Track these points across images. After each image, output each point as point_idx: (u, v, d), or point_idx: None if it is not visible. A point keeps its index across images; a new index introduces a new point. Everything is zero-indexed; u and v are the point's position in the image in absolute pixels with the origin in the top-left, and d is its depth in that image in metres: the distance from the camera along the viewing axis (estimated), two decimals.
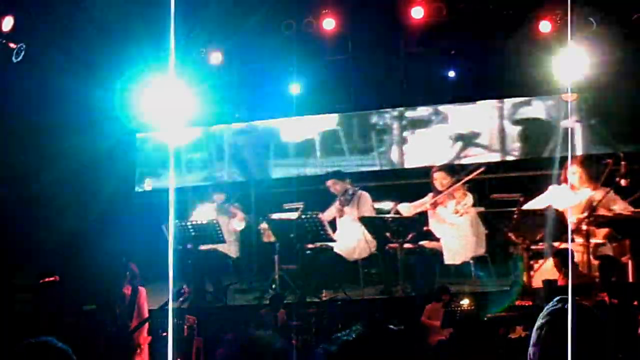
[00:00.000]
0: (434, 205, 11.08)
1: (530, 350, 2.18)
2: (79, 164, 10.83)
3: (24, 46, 8.77)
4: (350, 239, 11.37)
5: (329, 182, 11.57)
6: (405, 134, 11.70)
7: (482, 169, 11.04)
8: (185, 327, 9.68)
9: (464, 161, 11.38)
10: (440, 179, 11.08)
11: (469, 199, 10.95)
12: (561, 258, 8.03)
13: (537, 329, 2.21)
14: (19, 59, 8.71)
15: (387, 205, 11.46)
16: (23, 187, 10.08)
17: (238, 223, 11.75)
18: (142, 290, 8.04)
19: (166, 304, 8.01)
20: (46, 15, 9.24)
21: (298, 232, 11.23)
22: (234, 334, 2.39)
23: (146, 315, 7.89)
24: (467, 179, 10.91)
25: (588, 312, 2.18)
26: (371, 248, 11.29)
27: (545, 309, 2.24)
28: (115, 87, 10.37)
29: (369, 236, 11.28)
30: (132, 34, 9.68)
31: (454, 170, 11.20)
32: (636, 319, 8.32)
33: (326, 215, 11.41)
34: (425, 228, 11.16)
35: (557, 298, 2.26)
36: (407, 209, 10.84)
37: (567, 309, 2.13)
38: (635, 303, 8.64)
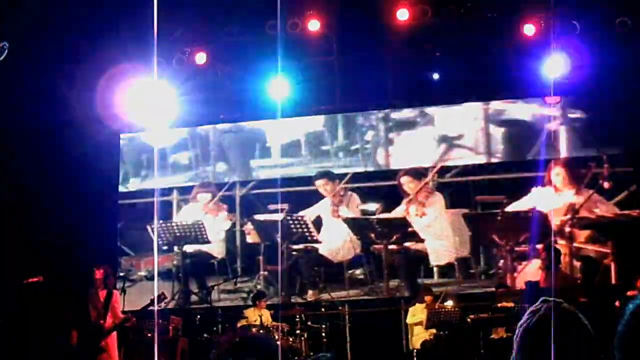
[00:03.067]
0: (407, 210, 11.25)
1: (514, 350, 2.19)
2: (62, 163, 10.76)
3: (7, 45, 8.68)
4: (336, 240, 11.41)
5: (320, 182, 11.60)
6: (390, 135, 11.71)
7: (439, 167, 11.22)
8: (170, 328, 9.66)
9: (448, 163, 11.42)
10: (407, 184, 11.25)
11: (436, 199, 11.11)
12: (549, 253, 8.05)
13: (519, 328, 2.22)
14: (1, 58, 8.63)
15: (372, 206, 11.48)
16: (5, 186, 9.99)
17: (225, 222, 11.75)
18: (116, 293, 8.01)
19: (147, 306, 7.96)
20: (30, 14, 9.16)
21: (283, 233, 11.26)
22: (228, 334, 2.35)
23: (120, 317, 7.84)
24: (427, 179, 11.14)
25: (571, 315, 2.18)
26: (356, 249, 11.33)
27: (529, 309, 2.23)
28: (99, 87, 10.32)
29: (354, 237, 11.33)
30: (116, 33, 9.63)
31: (419, 173, 11.31)
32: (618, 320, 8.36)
33: (309, 212, 11.45)
34: (410, 229, 11.21)
35: (542, 299, 2.25)
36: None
37: (549, 311, 2.14)
38: (617, 304, 8.70)
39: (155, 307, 7.16)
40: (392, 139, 11.71)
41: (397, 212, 11.29)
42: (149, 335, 9.29)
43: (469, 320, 8.54)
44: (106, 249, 11.62)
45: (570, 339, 2.10)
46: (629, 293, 8.89)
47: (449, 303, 9.55)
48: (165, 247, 11.83)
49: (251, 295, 10.66)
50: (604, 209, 10.63)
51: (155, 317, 8.45)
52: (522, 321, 2.18)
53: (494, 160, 11.37)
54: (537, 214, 10.80)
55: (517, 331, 2.20)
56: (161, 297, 7.81)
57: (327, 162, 11.77)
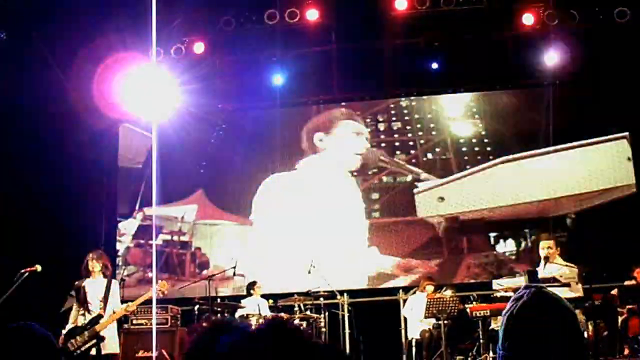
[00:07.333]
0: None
1: (500, 337, 2.21)
2: (60, 153, 10.74)
3: (4, 34, 8.67)
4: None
5: (303, 174, 11.65)
6: (389, 124, 11.69)
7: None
8: (169, 317, 9.66)
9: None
10: None
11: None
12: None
13: (504, 316, 2.24)
14: None
15: (373, 196, 11.49)
16: (1, 176, 9.97)
17: (219, 228, 11.80)
18: (114, 282, 7.96)
19: (146, 296, 7.91)
20: (27, 3, 9.13)
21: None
22: (207, 321, 2.34)
23: (119, 306, 7.81)
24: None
25: (553, 299, 2.19)
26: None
27: (513, 297, 2.25)
28: (97, 77, 10.29)
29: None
30: (115, 23, 9.60)
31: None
32: (616, 312, 8.43)
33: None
34: (410, 218, 11.22)
35: (524, 285, 2.27)
36: None
37: (532, 297, 2.16)
38: (615, 293, 8.72)
39: (154, 295, 7.13)
40: (391, 127, 11.69)
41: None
42: (149, 324, 9.29)
43: (468, 309, 8.55)
44: (105, 237, 11.62)
45: (553, 323, 2.12)
46: (626, 283, 8.91)
47: (448, 292, 9.56)
48: (165, 237, 11.85)
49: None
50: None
51: (153, 306, 8.43)
52: (506, 309, 2.20)
53: (490, 149, 11.35)
54: (536, 204, 10.82)
55: (502, 319, 2.22)
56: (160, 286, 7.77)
57: (325, 152, 11.76)
